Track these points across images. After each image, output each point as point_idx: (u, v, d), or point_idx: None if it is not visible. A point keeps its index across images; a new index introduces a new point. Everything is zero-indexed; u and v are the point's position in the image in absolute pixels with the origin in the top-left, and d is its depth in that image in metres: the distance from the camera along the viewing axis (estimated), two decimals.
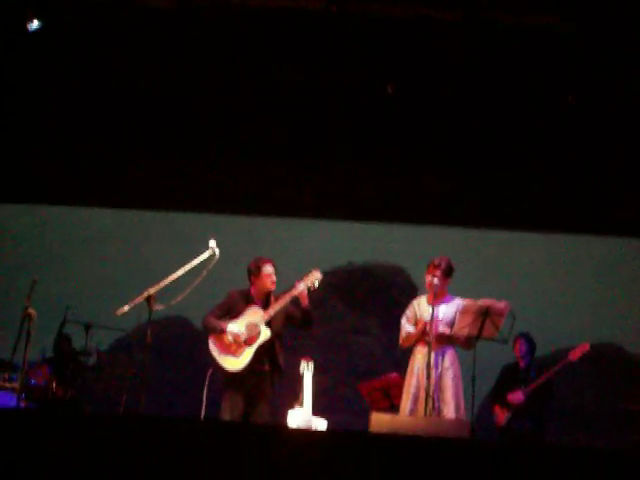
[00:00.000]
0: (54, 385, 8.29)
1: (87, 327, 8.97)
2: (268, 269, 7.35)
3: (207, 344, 7.24)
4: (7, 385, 7.87)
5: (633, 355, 9.48)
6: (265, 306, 7.29)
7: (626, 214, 9.36)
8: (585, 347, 8.28)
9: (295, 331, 7.56)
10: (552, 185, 9.43)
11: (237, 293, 7.46)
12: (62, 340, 9.08)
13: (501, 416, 8.38)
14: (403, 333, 7.26)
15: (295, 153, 9.53)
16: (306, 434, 5.34)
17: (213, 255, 6.93)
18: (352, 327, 9.89)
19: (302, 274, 7.32)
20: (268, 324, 7.23)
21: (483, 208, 9.60)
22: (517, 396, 8.32)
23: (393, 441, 4.81)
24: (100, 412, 8.21)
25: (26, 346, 7.16)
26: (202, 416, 7.18)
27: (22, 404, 7.62)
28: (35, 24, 8.28)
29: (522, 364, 8.57)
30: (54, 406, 8.15)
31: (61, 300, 9.33)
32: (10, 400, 7.66)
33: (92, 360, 9.31)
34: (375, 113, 9.17)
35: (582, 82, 8.56)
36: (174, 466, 4.73)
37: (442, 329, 7.08)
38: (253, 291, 7.40)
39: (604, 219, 9.47)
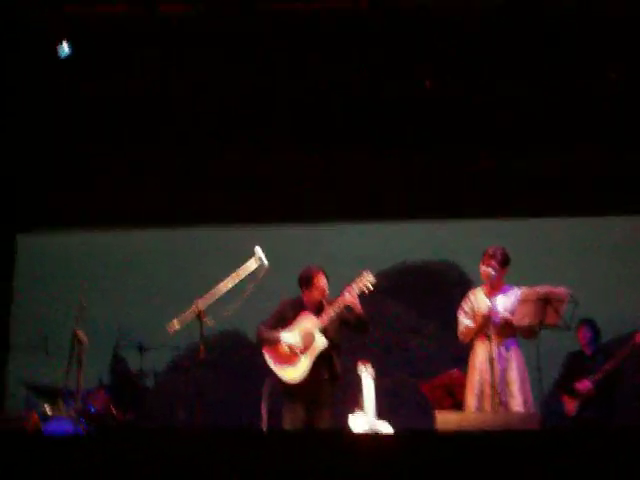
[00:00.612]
0: (113, 410, 8.21)
1: (141, 348, 8.91)
2: (321, 281, 7.23)
3: (262, 356, 7.14)
4: (64, 413, 7.79)
5: None
6: (318, 313, 7.18)
7: None
8: None
9: (351, 335, 7.40)
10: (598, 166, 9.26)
11: (289, 302, 7.36)
12: (117, 363, 9.04)
13: (570, 406, 8.18)
14: (462, 327, 7.07)
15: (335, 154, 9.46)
16: (372, 438, 5.19)
17: (261, 264, 6.84)
18: (409, 327, 9.73)
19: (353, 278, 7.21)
20: (323, 331, 7.12)
21: (529, 196, 9.42)
22: (586, 385, 8.12)
23: (461, 438, 4.64)
24: (160, 429, 8.11)
25: (79, 371, 7.12)
26: (264, 427, 7.09)
27: (81, 430, 7.55)
28: (65, 49, 8.23)
29: (588, 351, 8.36)
30: (114, 431, 8.08)
31: (112, 324, 9.30)
32: (68, 427, 7.59)
33: (149, 381, 9.25)
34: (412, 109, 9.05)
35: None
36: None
37: (502, 320, 6.87)
38: (305, 300, 7.30)
39: None
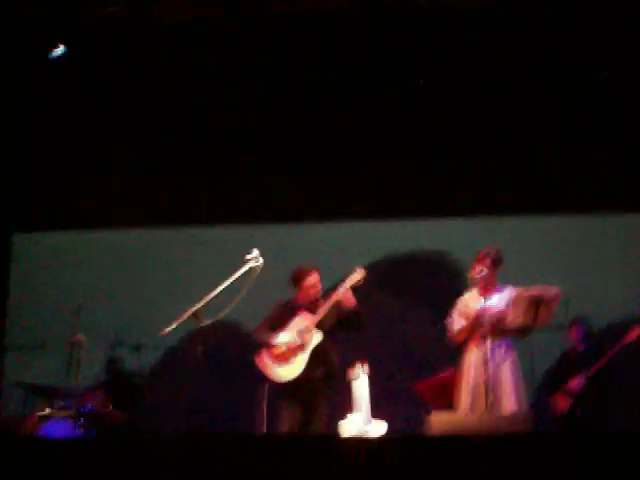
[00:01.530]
0: (111, 408, 8.25)
1: (138, 348, 8.94)
2: (311, 280, 7.33)
3: (255, 359, 7.20)
4: (62, 413, 7.83)
5: None
6: (313, 311, 7.25)
7: None
8: None
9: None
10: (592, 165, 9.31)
11: (281, 304, 7.45)
12: (115, 363, 9.07)
13: (563, 404, 8.24)
14: (454, 329, 7.13)
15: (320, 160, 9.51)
16: (360, 442, 5.23)
17: (257, 264, 6.88)
18: (400, 317, 9.75)
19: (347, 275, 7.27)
20: (319, 327, 7.18)
21: (521, 195, 9.46)
22: (578, 382, 8.18)
23: (452, 442, 4.69)
24: (158, 433, 8.16)
25: (78, 372, 7.15)
26: (264, 430, 7.14)
27: (80, 430, 7.59)
28: (60, 50, 8.25)
29: (580, 349, 8.42)
30: (113, 431, 8.11)
31: (109, 324, 9.32)
32: (66, 427, 7.63)
33: (145, 381, 9.28)
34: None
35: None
36: None
37: (495, 319, 6.92)
38: (298, 300, 7.37)
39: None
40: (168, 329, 6.57)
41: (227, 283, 6.73)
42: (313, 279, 7.32)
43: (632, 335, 8.13)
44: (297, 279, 7.37)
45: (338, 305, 7.22)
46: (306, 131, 9.37)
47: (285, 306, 7.40)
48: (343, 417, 7.36)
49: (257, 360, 7.20)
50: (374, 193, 9.63)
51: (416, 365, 9.19)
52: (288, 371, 7.12)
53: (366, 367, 7.45)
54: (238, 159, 9.61)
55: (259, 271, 6.78)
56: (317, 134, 9.37)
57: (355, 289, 7.26)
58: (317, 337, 7.17)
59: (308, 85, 8.94)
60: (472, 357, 6.96)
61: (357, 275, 7.26)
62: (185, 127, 9.44)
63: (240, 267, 6.77)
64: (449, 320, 7.15)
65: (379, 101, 9.10)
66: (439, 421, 5.45)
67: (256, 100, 9.07)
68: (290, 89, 8.99)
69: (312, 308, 7.28)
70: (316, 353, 7.15)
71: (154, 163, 9.71)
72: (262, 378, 7.17)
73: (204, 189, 9.86)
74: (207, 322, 6.56)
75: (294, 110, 9.26)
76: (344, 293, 7.17)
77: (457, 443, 4.64)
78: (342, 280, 7.26)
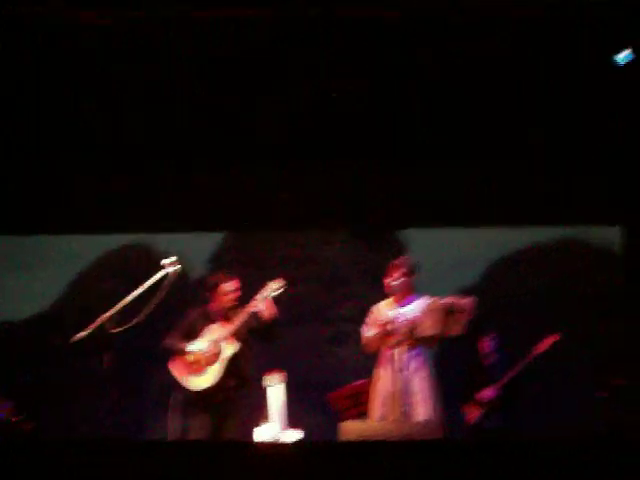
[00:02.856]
0: (15, 418, 8.07)
1: (43, 355, 8.79)
2: (225, 287, 7.27)
3: (168, 367, 7.13)
4: None
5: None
6: (229, 320, 7.20)
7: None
8: (555, 337, 8.25)
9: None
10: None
11: (195, 312, 7.37)
12: (18, 372, 8.90)
13: (472, 415, 8.31)
14: (364, 339, 7.13)
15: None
16: (274, 448, 5.21)
17: (169, 273, 6.82)
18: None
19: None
20: (235, 337, 7.14)
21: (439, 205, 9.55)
22: (488, 393, 8.27)
23: (364, 448, 4.70)
24: (66, 439, 8.01)
25: None
26: (169, 437, 7.07)
27: None
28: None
29: (490, 360, 8.52)
30: (17, 438, 7.95)
31: (13, 331, 9.14)
32: None
33: (53, 391, 9.11)
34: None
35: None
36: None
37: (408, 328, 6.94)
38: (212, 308, 7.31)
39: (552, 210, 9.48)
40: (78, 337, 6.47)
41: (142, 289, 6.67)
42: (228, 287, 7.27)
43: (542, 346, 8.27)
44: (211, 285, 7.32)
45: (255, 315, 7.19)
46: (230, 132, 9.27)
47: (197, 315, 7.33)
48: (257, 426, 7.36)
49: (171, 367, 7.12)
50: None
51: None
52: (201, 380, 7.07)
53: (283, 376, 7.44)
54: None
55: (172, 280, 6.73)
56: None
57: (276, 299, 7.26)
58: (232, 347, 7.12)
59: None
60: (384, 368, 6.96)
61: (275, 285, 7.24)
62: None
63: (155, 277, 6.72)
64: (363, 328, 7.16)
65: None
66: (351, 429, 5.46)
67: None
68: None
69: (228, 317, 7.23)
70: (231, 363, 7.11)
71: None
72: (175, 385, 7.10)
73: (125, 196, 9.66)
74: (116, 330, 6.48)
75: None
76: (262, 303, 7.14)
77: (369, 448, 4.65)
78: (255, 294, 7.23)
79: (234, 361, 7.13)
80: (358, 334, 7.26)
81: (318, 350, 9.77)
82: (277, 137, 9.08)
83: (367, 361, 7.38)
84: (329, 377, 9.19)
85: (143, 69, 8.28)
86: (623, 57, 7.96)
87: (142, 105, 8.73)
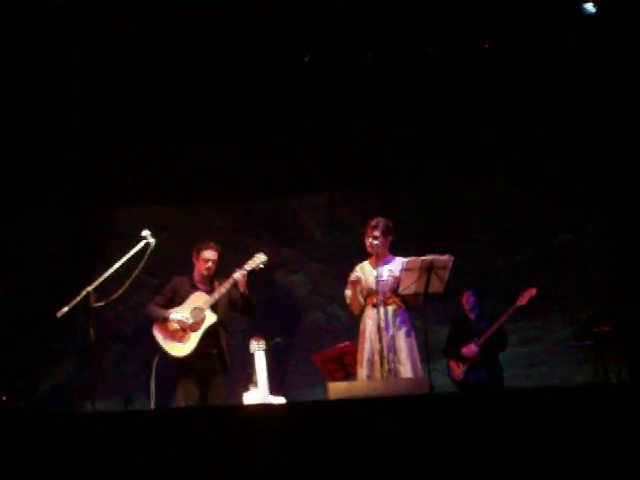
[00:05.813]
0: (4, 398, 8.09)
1: (28, 333, 8.77)
2: (205, 254, 7.34)
3: (152, 331, 7.16)
4: None
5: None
6: (210, 291, 7.24)
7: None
8: (532, 291, 8.30)
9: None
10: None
11: (180, 279, 7.44)
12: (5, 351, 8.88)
13: (457, 370, 8.40)
14: (346, 298, 7.17)
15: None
16: (264, 409, 5.24)
17: (148, 245, 6.86)
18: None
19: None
20: (213, 309, 7.17)
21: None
22: (471, 348, 8.34)
23: (353, 406, 4.73)
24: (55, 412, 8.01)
25: None
26: (152, 406, 7.12)
27: None
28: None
29: (472, 316, 8.58)
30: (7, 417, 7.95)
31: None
32: None
33: (40, 368, 9.11)
34: None
35: None
36: (134, 462, 4.59)
37: (388, 288, 6.98)
38: (195, 276, 7.35)
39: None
40: (60, 312, 6.49)
41: (121, 262, 6.72)
42: (207, 253, 7.32)
43: (522, 300, 8.32)
44: (195, 252, 7.40)
45: (235, 288, 7.22)
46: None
47: (182, 282, 7.40)
48: (241, 395, 7.41)
49: (155, 332, 7.15)
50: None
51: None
52: (179, 349, 7.11)
53: (262, 343, 7.49)
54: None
55: (150, 251, 6.79)
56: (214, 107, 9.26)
57: (257, 273, 7.28)
58: (211, 317, 7.16)
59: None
60: (368, 327, 6.97)
61: (257, 259, 7.27)
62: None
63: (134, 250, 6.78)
64: (346, 292, 7.18)
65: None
66: (338, 389, 5.49)
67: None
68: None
69: (210, 287, 7.27)
70: (209, 333, 7.15)
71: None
72: (159, 349, 7.13)
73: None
74: (100, 304, 6.52)
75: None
76: (240, 276, 7.17)
77: (356, 407, 4.69)
78: (239, 265, 7.26)
79: (214, 330, 7.18)
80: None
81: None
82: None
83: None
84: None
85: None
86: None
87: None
